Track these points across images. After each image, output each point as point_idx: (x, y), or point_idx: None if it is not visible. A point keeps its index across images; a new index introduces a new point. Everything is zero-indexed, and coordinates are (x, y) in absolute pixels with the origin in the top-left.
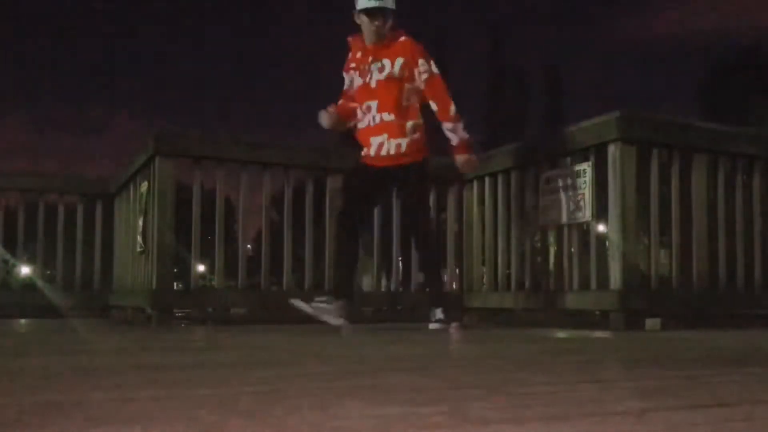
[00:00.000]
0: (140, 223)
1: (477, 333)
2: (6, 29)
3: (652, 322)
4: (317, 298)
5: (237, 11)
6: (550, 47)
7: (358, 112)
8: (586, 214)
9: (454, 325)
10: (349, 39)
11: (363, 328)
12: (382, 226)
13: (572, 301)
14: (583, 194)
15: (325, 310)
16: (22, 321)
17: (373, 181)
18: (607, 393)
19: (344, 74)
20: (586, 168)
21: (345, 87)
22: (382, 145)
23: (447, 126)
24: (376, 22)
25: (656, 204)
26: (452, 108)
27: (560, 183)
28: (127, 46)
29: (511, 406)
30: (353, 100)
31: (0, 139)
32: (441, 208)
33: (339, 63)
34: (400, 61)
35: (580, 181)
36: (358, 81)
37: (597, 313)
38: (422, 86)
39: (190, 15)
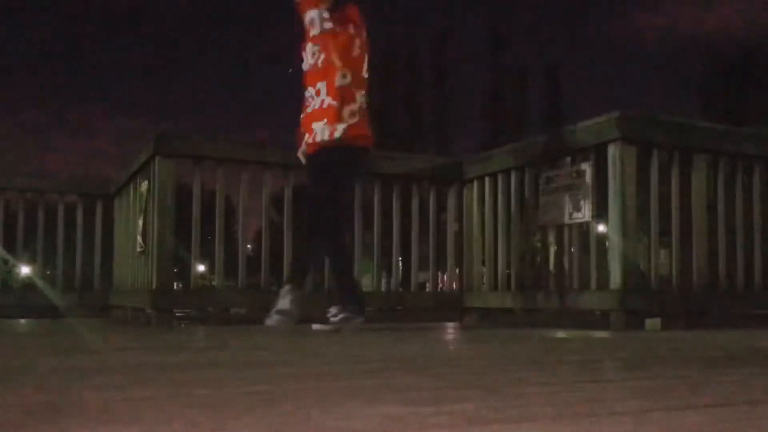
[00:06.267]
0: (140, 223)
1: (477, 333)
2: (6, 30)
3: (652, 322)
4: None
5: (237, 10)
6: (550, 47)
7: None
8: (586, 214)
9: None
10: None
11: (363, 328)
12: (382, 226)
13: (572, 301)
14: (583, 194)
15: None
16: (22, 321)
17: None
18: (607, 393)
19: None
20: (586, 168)
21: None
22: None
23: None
24: None
25: (656, 204)
26: None
27: (560, 183)
28: (127, 45)
29: (511, 406)
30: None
31: (0, 139)
32: (441, 208)
33: None
34: None
35: (580, 181)
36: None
37: (597, 313)
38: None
39: (190, 13)
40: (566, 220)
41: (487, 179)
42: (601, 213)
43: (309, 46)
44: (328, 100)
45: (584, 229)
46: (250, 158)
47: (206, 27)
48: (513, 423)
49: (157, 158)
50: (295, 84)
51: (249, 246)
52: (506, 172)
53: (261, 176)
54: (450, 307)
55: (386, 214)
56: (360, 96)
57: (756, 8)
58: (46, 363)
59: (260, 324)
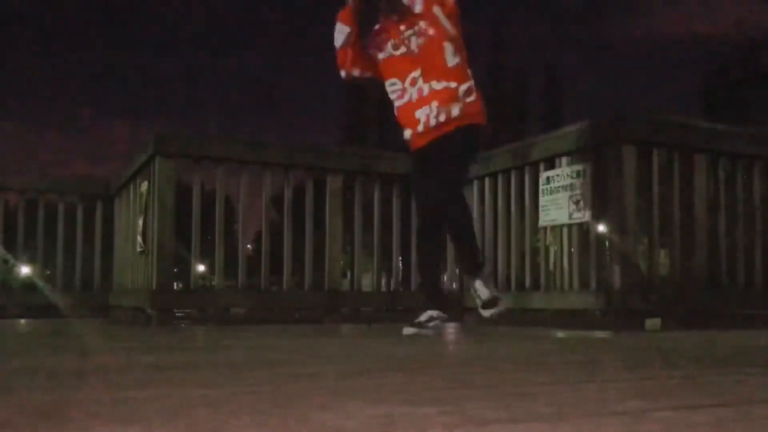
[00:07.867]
0: (140, 223)
1: (477, 333)
2: (4, 31)
3: (652, 322)
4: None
5: (236, 11)
6: (550, 46)
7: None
8: (586, 214)
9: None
10: None
11: (363, 328)
12: (382, 225)
13: (572, 301)
14: (583, 194)
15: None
16: (22, 321)
17: None
18: (607, 393)
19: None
20: (586, 168)
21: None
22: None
23: None
24: None
25: (656, 204)
26: None
27: (560, 183)
28: (126, 45)
29: (511, 406)
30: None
31: (0, 140)
32: None
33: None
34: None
35: (579, 181)
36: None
37: (597, 313)
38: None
39: (189, 13)
40: (566, 220)
41: (487, 179)
42: (601, 213)
43: (401, 29)
44: (440, 85)
45: (584, 229)
46: (250, 158)
47: (206, 26)
48: (513, 423)
49: (157, 158)
50: (295, 83)
51: (249, 246)
52: (506, 172)
53: (261, 176)
54: (450, 307)
55: (386, 214)
56: (470, 71)
57: (757, 8)
58: (46, 363)
59: (259, 324)
